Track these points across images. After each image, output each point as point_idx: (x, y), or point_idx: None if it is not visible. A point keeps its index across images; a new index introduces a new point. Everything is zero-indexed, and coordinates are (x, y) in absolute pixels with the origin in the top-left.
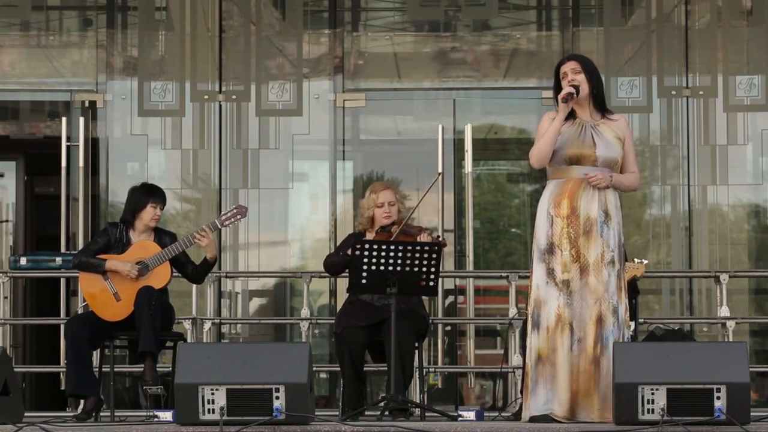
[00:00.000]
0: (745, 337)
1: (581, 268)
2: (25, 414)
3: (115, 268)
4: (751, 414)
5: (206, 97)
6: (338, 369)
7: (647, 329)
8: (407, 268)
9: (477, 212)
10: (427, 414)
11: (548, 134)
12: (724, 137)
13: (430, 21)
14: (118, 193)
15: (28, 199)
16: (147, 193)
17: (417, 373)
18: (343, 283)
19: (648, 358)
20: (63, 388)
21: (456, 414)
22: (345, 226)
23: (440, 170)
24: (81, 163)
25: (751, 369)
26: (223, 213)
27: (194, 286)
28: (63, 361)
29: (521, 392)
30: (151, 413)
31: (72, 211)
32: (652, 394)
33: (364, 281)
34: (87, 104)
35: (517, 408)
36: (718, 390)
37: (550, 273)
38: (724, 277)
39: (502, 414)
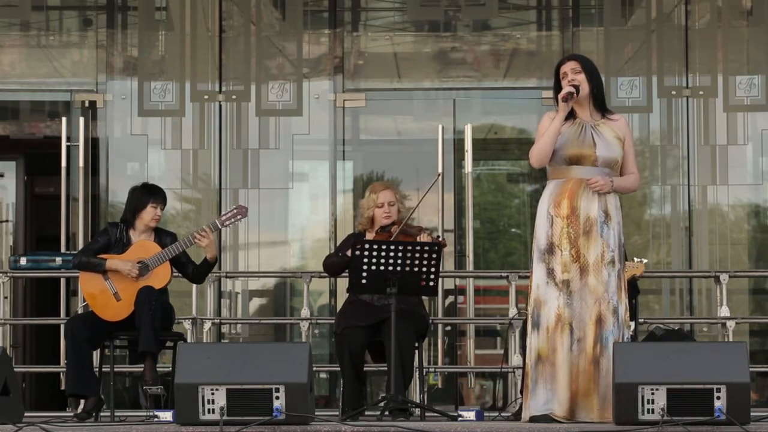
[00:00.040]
0: (745, 337)
1: (581, 268)
2: (25, 414)
3: (116, 268)
4: (751, 414)
5: (206, 97)
6: (338, 369)
7: (647, 329)
8: (407, 268)
9: (477, 212)
10: (427, 414)
11: (548, 133)
12: (724, 137)
13: (430, 21)
14: (118, 193)
15: (28, 199)
16: (147, 193)
17: (417, 373)
18: (343, 283)
19: (648, 358)
20: (63, 388)
21: (456, 414)
22: (345, 226)
23: (440, 170)
24: (81, 163)
25: (751, 369)
26: (223, 213)
27: (194, 286)
28: (63, 361)
29: (521, 392)
30: (151, 413)
31: (72, 211)
32: (652, 394)
33: (364, 281)
34: (87, 104)
35: (517, 408)
36: (718, 390)
37: (550, 273)
38: (724, 277)
39: (502, 414)
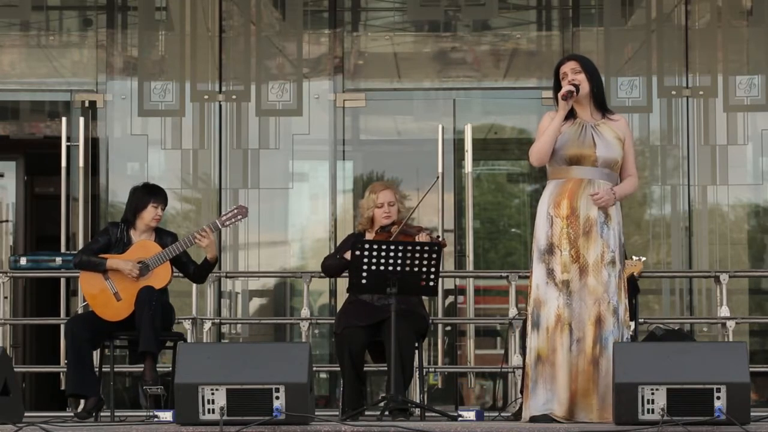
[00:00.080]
0: (744, 337)
1: (581, 268)
2: (25, 414)
3: (117, 267)
4: (751, 414)
5: (206, 97)
6: (338, 369)
7: (647, 329)
8: (407, 268)
9: (477, 212)
10: (427, 414)
11: (548, 132)
12: (724, 137)
13: (430, 21)
14: (118, 193)
15: (28, 199)
16: (148, 193)
17: (417, 373)
18: (343, 283)
19: (648, 358)
20: (63, 388)
21: (456, 414)
22: (345, 226)
23: (440, 170)
24: (81, 163)
25: (751, 369)
26: (223, 213)
27: (194, 286)
28: (63, 361)
29: (521, 392)
30: (151, 413)
31: (72, 211)
32: (652, 394)
33: (364, 281)
34: (87, 104)
35: (517, 408)
36: (718, 390)
37: (550, 273)
38: (724, 277)
39: (502, 414)
